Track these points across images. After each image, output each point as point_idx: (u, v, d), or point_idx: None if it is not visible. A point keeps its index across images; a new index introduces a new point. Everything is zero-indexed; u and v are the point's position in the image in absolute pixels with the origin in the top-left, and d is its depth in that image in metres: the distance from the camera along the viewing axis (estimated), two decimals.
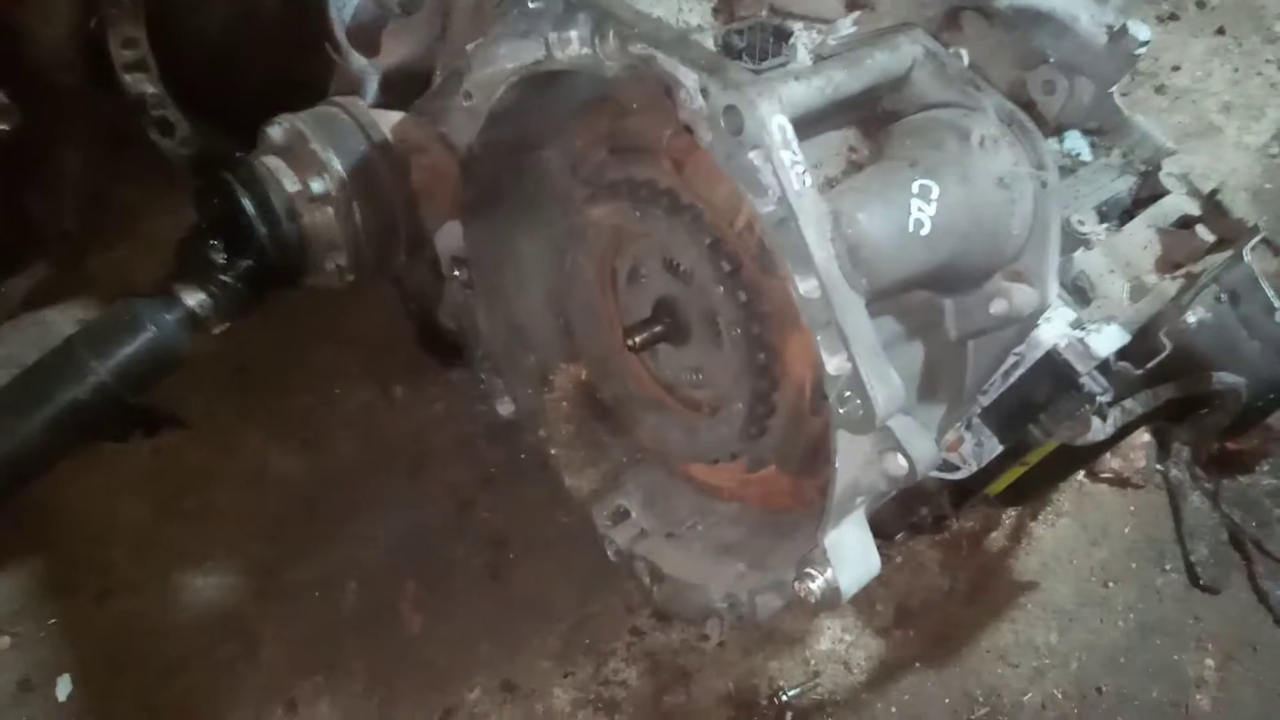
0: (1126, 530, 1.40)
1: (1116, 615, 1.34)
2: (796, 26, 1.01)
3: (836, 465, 0.87)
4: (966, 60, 1.05)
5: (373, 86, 1.41)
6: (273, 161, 1.09)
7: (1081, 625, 1.33)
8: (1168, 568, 1.38)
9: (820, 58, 0.97)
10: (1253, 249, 1.01)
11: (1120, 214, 1.15)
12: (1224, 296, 1.02)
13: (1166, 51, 1.98)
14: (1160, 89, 1.92)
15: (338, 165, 1.09)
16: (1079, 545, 1.39)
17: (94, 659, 1.25)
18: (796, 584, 0.95)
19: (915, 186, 0.85)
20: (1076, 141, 1.20)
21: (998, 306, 0.91)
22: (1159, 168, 1.16)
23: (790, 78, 0.85)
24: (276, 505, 1.36)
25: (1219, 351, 1.03)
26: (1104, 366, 0.96)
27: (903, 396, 0.84)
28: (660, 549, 1.22)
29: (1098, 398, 0.95)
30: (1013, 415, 1.00)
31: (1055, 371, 0.95)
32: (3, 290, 1.45)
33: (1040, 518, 1.41)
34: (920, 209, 0.85)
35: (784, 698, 1.25)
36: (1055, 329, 0.97)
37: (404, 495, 1.38)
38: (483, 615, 1.29)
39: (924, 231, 0.85)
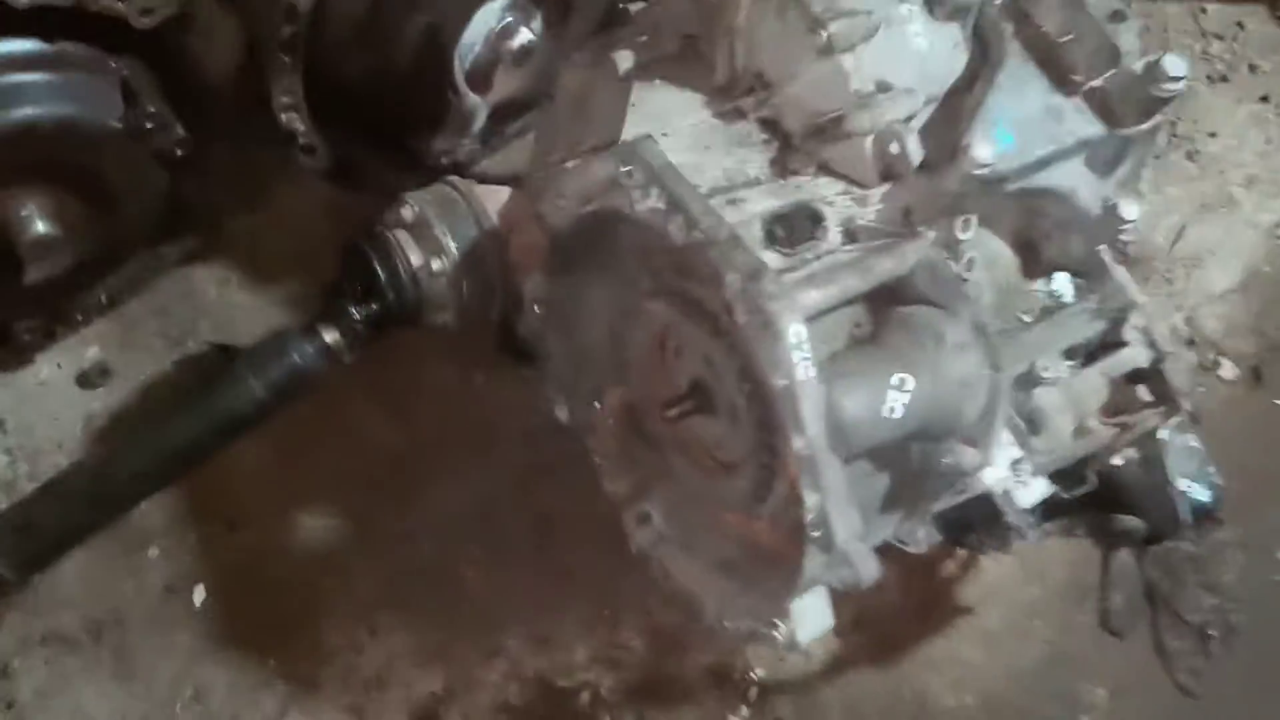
0: (1060, 574, 1.70)
1: (1034, 644, 1.65)
2: (831, 196, 1.25)
3: (804, 566, 1.16)
4: (975, 225, 1.29)
5: (482, 117, 1.67)
6: (402, 236, 1.36)
7: (1003, 648, 1.64)
8: (1087, 609, 1.68)
9: (847, 232, 1.21)
10: (1173, 426, 1.25)
11: (1085, 356, 1.39)
12: (1138, 456, 1.27)
13: (1209, 114, 2.11)
14: (1193, 155, 2.07)
15: (453, 248, 1.35)
16: (1016, 582, 1.68)
17: (224, 574, 1.60)
18: (764, 628, 1.26)
19: (895, 379, 1.10)
20: (1063, 284, 1.42)
21: (947, 461, 1.17)
22: (1126, 319, 1.38)
23: (810, 286, 1.09)
24: (370, 464, 1.68)
25: (1133, 496, 1.29)
26: None
27: (860, 529, 1.12)
28: (673, 554, 1.53)
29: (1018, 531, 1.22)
30: (952, 526, 1.28)
31: (988, 507, 1.23)
32: (161, 252, 1.72)
33: (989, 554, 1.70)
34: (895, 398, 1.10)
35: (753, 675, 1.60)
36: (995, 473, 1.23)
37: (475, 469, 1.68)
38: (527, 579, 1.62)
39: (895, 415, 1.11)
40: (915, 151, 1.22)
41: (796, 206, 1.18)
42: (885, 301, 1.19)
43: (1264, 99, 2.13)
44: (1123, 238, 1.35)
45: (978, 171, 1.19)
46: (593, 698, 1.56)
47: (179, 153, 1.46)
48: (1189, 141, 2.08)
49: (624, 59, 1.36)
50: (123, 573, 1.57)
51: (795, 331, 1.07)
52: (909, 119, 1.26)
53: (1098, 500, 1.30)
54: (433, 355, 1.75)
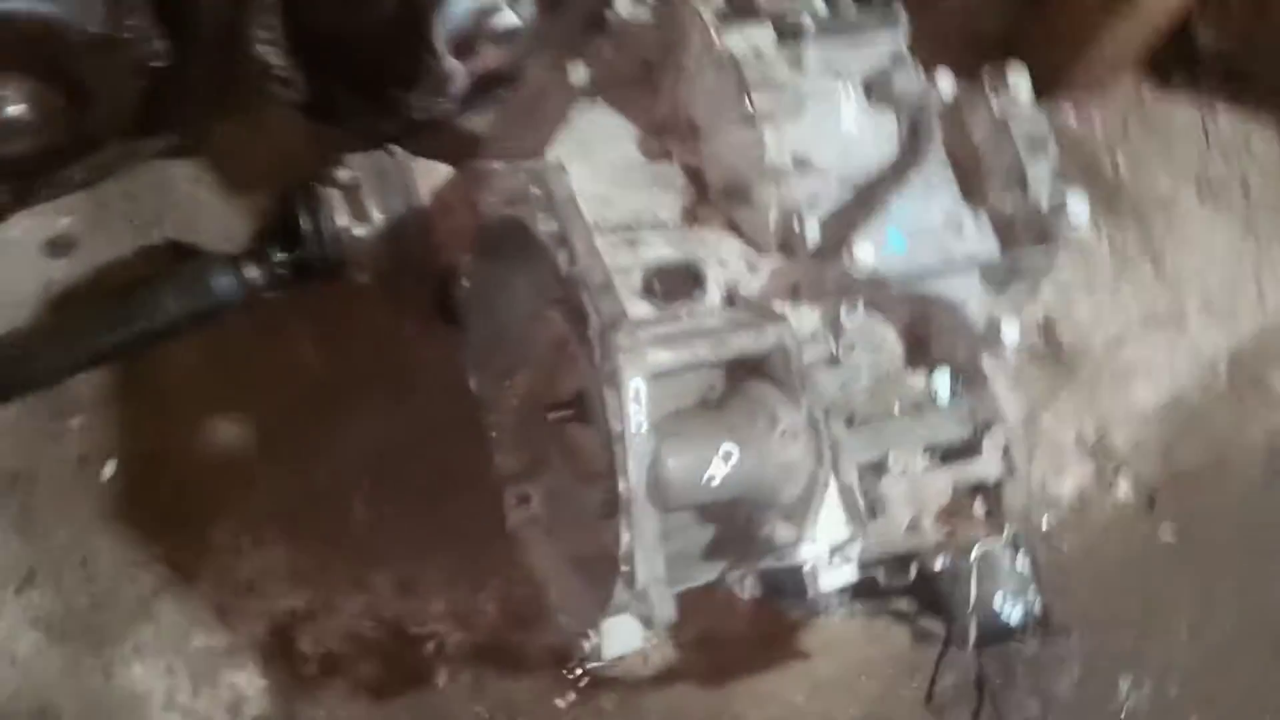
0: (901, 643, 1.77)
1: (856, 701, 1.74)
2: (726, 257, 1.31)
3: (612, 596, 1.25)
4: (860, 311, 1.35)
5: (459, 82, 1.73)
6: (334, 196, 1.44)
7: (825, 698, 1.73)
8: (915, 684, 1.76)
9: (728, 296, 1.28)
10: (977, 555, 1.32)
11: (944, 456, 1.45)
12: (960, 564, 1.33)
13: (1186, 227, 2.10)
14: (1157, 261, 2.08)
15: (378, 217, 1.43)
16: (858, 640, 1.76)
17: (135, 457, 1.69)
18: (580, 633, 1.36)
19: (722, 450, 1.17)
20: (942, 383, 1.48)
21: (765, 531, 1.25)
22: (988, 431, 1.43)
23: (662, 346, 1.16)
24: (292, 387, 1.78)
25: (943, 600, 1.36)
26: None
27: (661, 575, 1.20)
28: (539, 538, 1.62)
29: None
30: (769, 586, 1.36)
31: (799, 580, 1.30)
32: (138, 144, 1.81)
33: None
34: (718, 467, 1.17)
35: (588, 664, 1.70)
36: (812, 550, 1.31)
37: (388, 412, 1.77)
38: (408, 525, 1.73)
39: (714, 483, 1.18)
40: (812, 234, 1.28)
41: (682, 264, 1.24)
42: (742, 373, 1.26)
43: (1247, 228, 2.13)
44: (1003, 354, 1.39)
45: (854, 273, 1.24)
46: (437, 649, 1.68)
47: (158, 64, 1.54)
48: (1158, 249, 2.09)
49: (577, 71, 1.40)
50: (44, 435, 1.69)
51: (635, 385, 1.14)
52: (816, 200, 1.31)
53: (912, 593, 1.37)
54: (372, 297, 1.84)
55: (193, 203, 1.86)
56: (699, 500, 1.20)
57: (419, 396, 1.79)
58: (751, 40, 1.28)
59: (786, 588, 1.34)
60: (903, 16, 1.36)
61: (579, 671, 1.69)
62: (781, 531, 1.24)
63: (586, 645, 1.33)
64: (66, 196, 1.80)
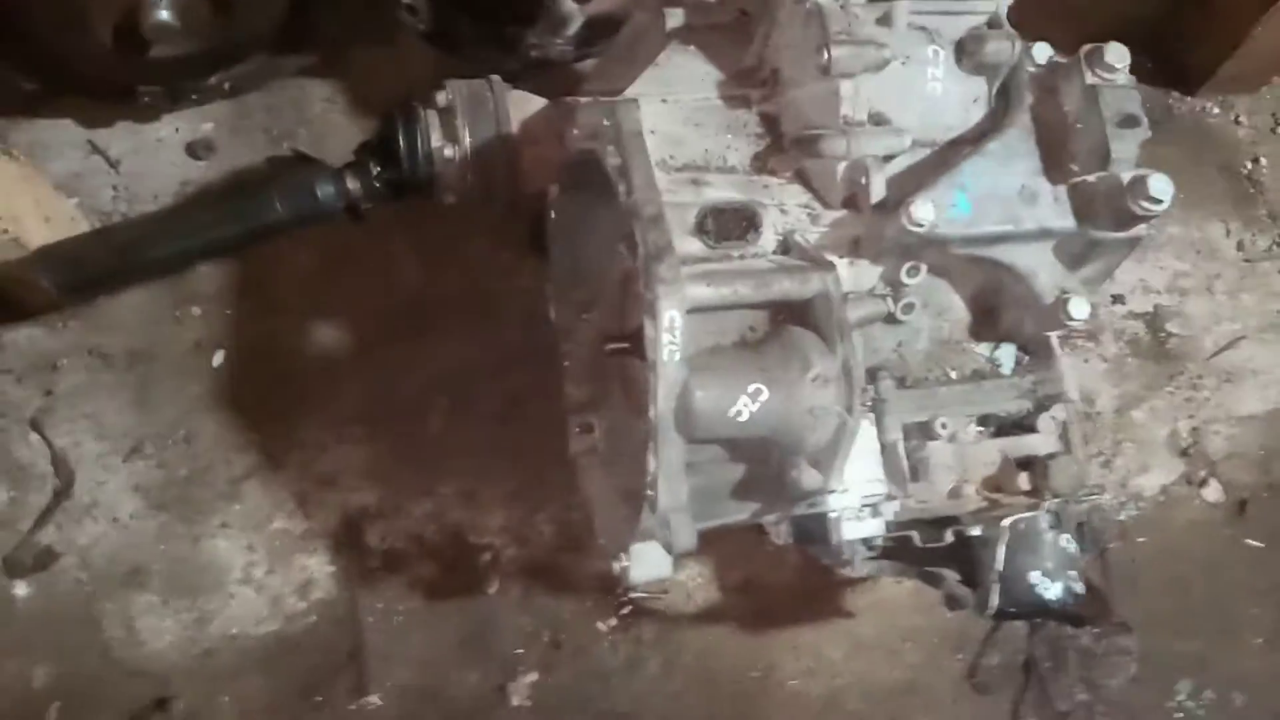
0: (950, 616, 1.75)
1: (896, 667, 1.74)
2: (789, 205, 1.32)
3: (641, 521, 1.29)
4: (923, 272, 1.34)
5: (576, 25, 1.79)
6: (431, 117, 1.51)
7: (865, 659, 1.74)
8: (960, 656, 1.75)
9: (783, 242, 1.29)
10: (1011, 523, 1.29)
11: (999, 428, 1.42)
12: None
13: None
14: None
15: (468, 141, 1.50)
16: (905, 607, 1.76)
17: (243, 348, 1.84)
18: (614, 556, 1.42)
19: (751, 388, 1.20)
20: (1007, 355, 1.46)
21: (793, 474, 1.26)
22: (1048, 408, 1.40)
23: (703, 282, 1.19)
24: (390, 301, 1.88)
25: (977, 568, 1.34)
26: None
27: (683, 502, 1.24)
28: (595, 466, 1.68)
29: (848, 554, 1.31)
30: (800, 534, 1.38)
31: (825, 525, 1.32)
32: (280, 60, 1.94)
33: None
34: (746, 404, 1.20)
35: (632, 594, 1.76)
36: (845, 500, 1.32)
37: (474, 334, 1.85)
38: (478, 442, 1.81)
39: (741, 419, 1.20)
40: (878, 189, 1.28)
41: (739, 205, 1.27)
42: (785, 317, 1.28)
43: None
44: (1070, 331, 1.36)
45: (912, 228, 1.23)
46: (492, 560, 1.76)
47: None
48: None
49: (674, 16, 1.43)
50: (168, 319, 1.85)
51: (670, 317, 1.18)
52: (889, 157, 1.31)
53: (944, 557, 1.37)
54: (474, 224, 1.93)
55: (325, 121, 1.98)
56: (726, 434, 1.23)
57: (502, 323, 1.87)
58: None
59: (815, 534, 1.35)
60: None
61: (623, 600, 1.75)
62: (808, 477, 1.26)
63: (617, 567, 1.39)
64: (211, 103, 1.96)
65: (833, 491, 1.31)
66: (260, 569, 1.74)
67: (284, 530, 1.76)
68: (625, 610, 1.75)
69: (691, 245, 1.26)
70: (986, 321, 1.45)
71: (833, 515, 1.31)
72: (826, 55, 1.26)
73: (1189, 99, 2.07)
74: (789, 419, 1.22)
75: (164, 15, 1.63)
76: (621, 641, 1.74)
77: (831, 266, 1.24)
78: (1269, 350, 1.92)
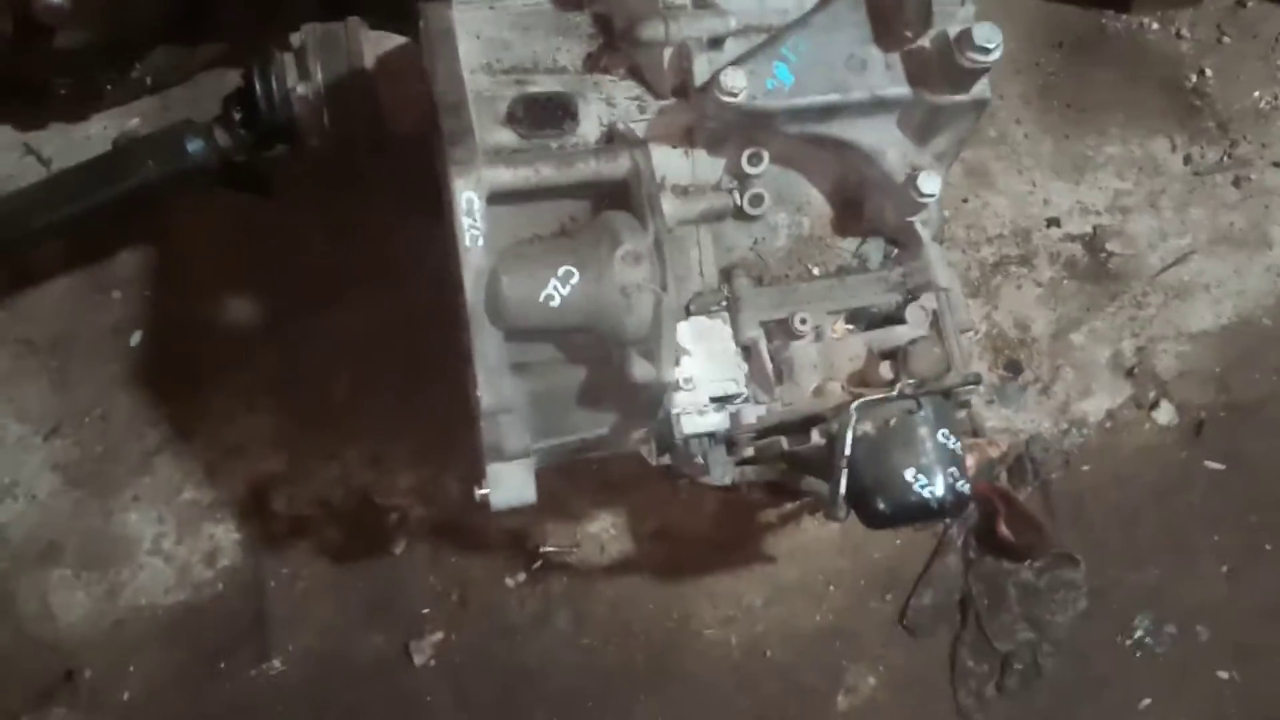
0: (877, 555, 1.65)
1: (820, 612, 1.63)
2: (618, 99, 1.27)
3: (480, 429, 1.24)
4: (765, 161, 1.28)
5: None
6: (287, 60, 1.52)
7: (787, 605, 1.63)
8: (888, 598, 1.63)
9: (607, 133, 1.25)
10: (868, 412, 1.20)
11: (868, 323, 1.34)
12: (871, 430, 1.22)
13: None
14: (1240, 182, 1.83)
15: (319, 79, 1.49)
16: (830, 549, 1.66)
17: (159, 328, 1.87)
18: (476, 486, 1.36)
19: (561, 271, 1.14)
20: (873, 249, 1.38)
21: (626, 368, 1.20)
22: (917, 298, 1.32)
23: (500, 164, 1.15)
24: (299, 272, 1.87)
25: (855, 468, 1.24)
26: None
27: (508, 400, 1.18)
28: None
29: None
30: (660, 444, 1.30)
31: (671, 429, 1.24)
32: (192, 51, 1.97)
33: (818, 517, 1.68)
34: (556, 288, 1.15)
35: (543, 549, 1.69)
36: (690, 398, 1.24)
37: (379, 301, 1.84)
38: (383, 404, 1.78)
39: (554, 304, 1.15)
40: (701, 71, 1.23)
41: (553, 95, 1.23)
42: (607, 205, 1.22)
43: None
44: (920, 211, 1.29)
45: (729, 100, 1.18)
46: (399, 521, 1.72)
47: None
48: (1244, 166, 1.84)
49: None
50: (88, 305, 1.87)
51: (467, 199, 1.14)
52: (716, 41, 1.25)
53: (812, 458, 1.28)
54: (381, 192, 1.92)
55: None
56: (542, 322, 1.18)
57: (409, 286, 1.85)
58: None
59: (671, 445, 1.28)
60: None
61: (535, 555, 1.68)
62: (639, 368, 1.20)
63: (478, 494, 1.33)
64: (137, 100, 2.00)
65: (678, 389, 1.24)
66: (169, 540, 1.73)
67: (193, 501, 1.75)
68: (536, 565, 1.68)
69: (502, 135, 1.23)
70: (850, 216, 1.38)
71: (674, 412, 1.23)
72: None
73: (1124, 17, 1.97)
74: (601, 300, 1.16)
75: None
76: (530, 596, 1.67)
77: (642, 143, 1.19)
78: (1222, 263, 1.79)
